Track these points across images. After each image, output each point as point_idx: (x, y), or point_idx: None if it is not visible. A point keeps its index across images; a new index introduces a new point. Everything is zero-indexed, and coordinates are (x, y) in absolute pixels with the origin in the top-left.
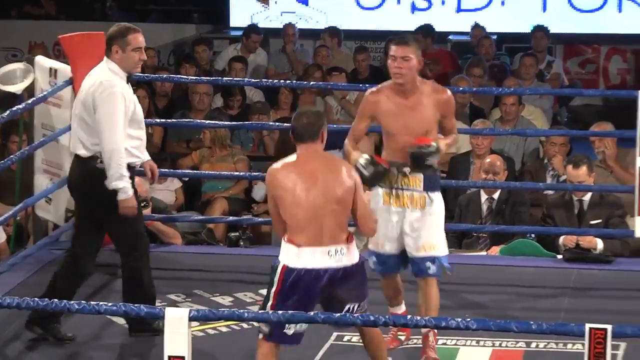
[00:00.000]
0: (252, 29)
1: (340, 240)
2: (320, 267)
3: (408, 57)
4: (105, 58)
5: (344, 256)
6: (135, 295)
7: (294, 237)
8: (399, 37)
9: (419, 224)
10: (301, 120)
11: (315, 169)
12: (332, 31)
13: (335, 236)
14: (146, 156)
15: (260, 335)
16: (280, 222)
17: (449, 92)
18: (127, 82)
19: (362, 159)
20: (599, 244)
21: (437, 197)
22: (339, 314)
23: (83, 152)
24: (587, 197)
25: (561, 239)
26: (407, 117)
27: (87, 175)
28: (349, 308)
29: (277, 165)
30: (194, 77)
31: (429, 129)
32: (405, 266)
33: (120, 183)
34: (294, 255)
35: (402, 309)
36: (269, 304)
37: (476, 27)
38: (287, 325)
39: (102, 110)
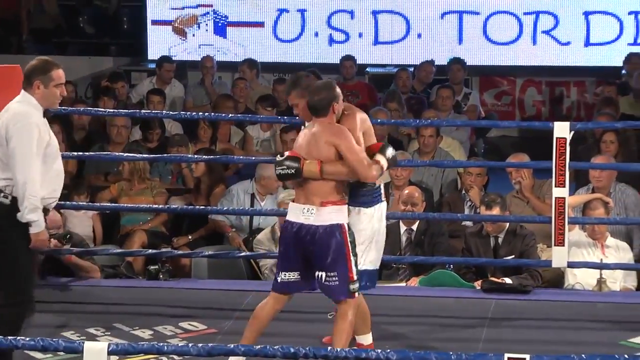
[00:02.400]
0: (165, 58)
1: (314, 202)
2: (294, 221)
3: (295, 104)
4: (22, 91)
5: (313, 216)
6: None
7: (295, 192)
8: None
9: None
10: (312, 97)
11: (316, 134)
12: (250, 63)
13: (311, 197)
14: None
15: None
16: None
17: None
18: (44, 116)
19: (280, 156)
20: (507, 280)
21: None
22: (260, 346)
23: None
24: (502, 233)
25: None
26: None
27: None
28: (319, 275)
29: (301, 132)
30: (112, 110)
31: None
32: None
33: (34, 215)
34: (289, 208)
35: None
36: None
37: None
38: (279, 273)
39: (16, 142)
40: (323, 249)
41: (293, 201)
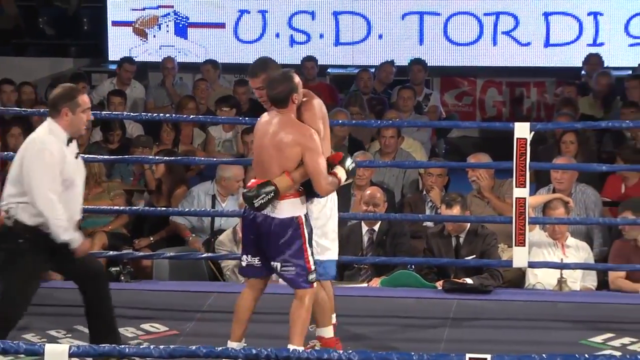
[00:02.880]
0: (126, 59)
1: None
2: (249, 210)
3: (259, 88)
4: (49, 119)
5: (269, 207)
6: None
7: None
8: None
9: None
10: (271, 90)
11: (279, 125)
12: (212, 64)
13: None
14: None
15: None
16: None
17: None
18: (67, 144)
19: (249, 191)
20: (469, 281)
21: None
22: (222, 348)
23: None
24: (463, 233)
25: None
26: None
27: None
28: (275, 266)
29: (261, 117)
30: None
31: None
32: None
33: (67, 236)
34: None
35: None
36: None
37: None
38: (243, 256)
39: (30, 166)
40: (279, 240)
41: None
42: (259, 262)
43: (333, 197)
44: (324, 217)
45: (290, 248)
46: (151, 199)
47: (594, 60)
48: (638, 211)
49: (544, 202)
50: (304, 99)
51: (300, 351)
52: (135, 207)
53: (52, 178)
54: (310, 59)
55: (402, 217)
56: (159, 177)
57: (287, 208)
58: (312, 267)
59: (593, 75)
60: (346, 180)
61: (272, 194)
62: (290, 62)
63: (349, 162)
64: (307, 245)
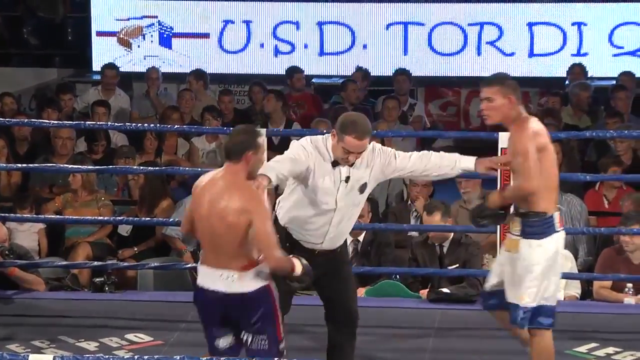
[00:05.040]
0: (107, 65)
1: (233, 265)
2: (211, 288)
3: (491, 98)
4: None
5: (235, 282)
6: None
7: (202, 252)
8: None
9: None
10: (230, 139)
11: (222, 190)
12: (198, 74)
13: (228, 261)
14: None
15: None
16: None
17: (525, 128)
18: None
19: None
20: (445, 290)
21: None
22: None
23: None
24: (447, 242)
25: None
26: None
27: None
28: (245, 338)
29: (203, 176)
30: (57, 122)
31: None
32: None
33: None
34: (199, 271)
35: None
36: None
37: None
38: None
39: None
40: (252, 313)
41: (201, 262)
42: (233, 340)
43: (558, 239)
44: (544, 263)
45: (264, 319)
46: (135, 210)
47: (577, 70)
48: None
49: None
50: (517, 126)
51: None
52: (119, 218)
53: None
54: (297, 70)
55: (387, 227)
56: (141, 188)
57: (255, 278)
58: (282, 336)
59: (570, 85)
60: (297, 279)
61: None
62: (275, 73)
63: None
64: (279, 313)
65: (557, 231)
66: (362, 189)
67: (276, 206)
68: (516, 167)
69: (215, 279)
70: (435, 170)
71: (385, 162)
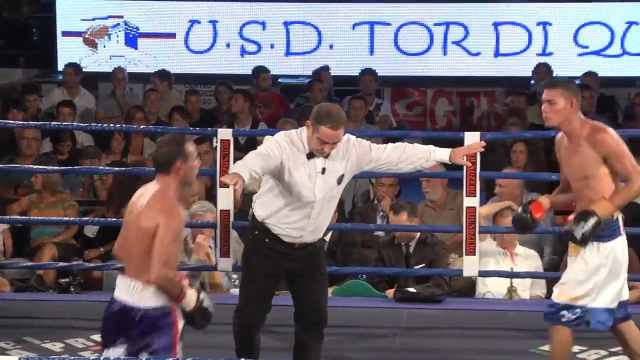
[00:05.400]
0: (68, 64)
1: (141, 277)
2: (120, 299)
3: (553, 101)
4: None
5: (136, 295)
6: None
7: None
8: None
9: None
10: (156, 150)
11: (144, 199)
12: (162, 74)
13: (137, 271)
14: None
15: None
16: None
17: (606, 131)
18: None
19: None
20: (411, 290)
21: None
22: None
23: None
24: (413, 242)
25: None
26: (569, 161)
27: None
28: (139, 357)
29: (140, 188)
30: (22, 122)
31: (588, 174)
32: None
33: None
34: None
35: None
36: None
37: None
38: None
39: None
40: (146, 332)
41: (123, 272)
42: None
43: (621, 242)
44: (609, 265)
45: (157, 339)
46: (102, 210)
47: (543, 70)
48: None
49: (495, 212)
50: (594, 136)
51: None
52: (85, 219)
53: None
54: (263, 70)
55: (353, 227)
56: (109, 188)
57: (156, 297)
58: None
59: (537, 85)
60: (190, 315)
61: (594, 223)
62: (241, 73)
63: (200, 300)
64: (179, 337)
65: (622, 234)
66: (339, 180)
67: (252, 203)
68: (594, 173)
69: (123, 288)
70: (410, 162)
71: (360, 152)
